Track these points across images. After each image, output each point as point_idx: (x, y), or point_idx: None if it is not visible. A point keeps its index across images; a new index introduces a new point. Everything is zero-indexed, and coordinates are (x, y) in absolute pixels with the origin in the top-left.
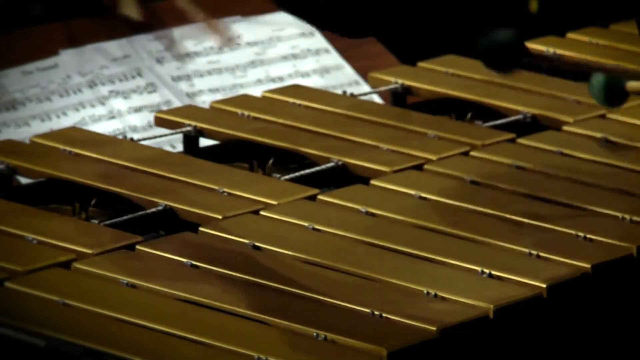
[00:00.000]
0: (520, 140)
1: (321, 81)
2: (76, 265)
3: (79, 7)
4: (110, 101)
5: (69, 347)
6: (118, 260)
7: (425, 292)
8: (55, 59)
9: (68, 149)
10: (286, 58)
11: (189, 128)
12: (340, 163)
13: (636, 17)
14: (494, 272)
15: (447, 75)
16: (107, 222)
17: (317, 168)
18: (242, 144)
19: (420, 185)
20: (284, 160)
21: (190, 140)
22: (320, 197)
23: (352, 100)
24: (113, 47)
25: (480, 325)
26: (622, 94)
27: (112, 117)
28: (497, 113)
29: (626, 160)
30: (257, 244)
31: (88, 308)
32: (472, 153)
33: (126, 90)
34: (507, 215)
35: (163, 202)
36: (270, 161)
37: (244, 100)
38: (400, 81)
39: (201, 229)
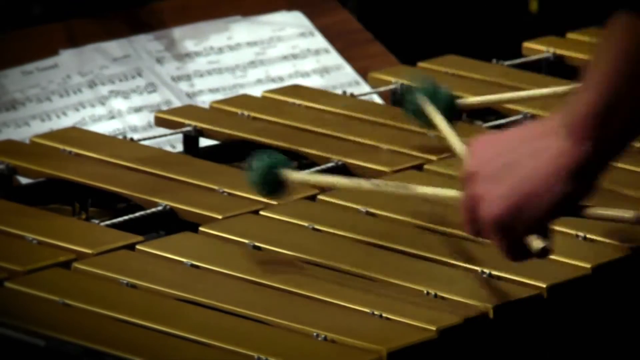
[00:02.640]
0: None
1: (321, 81)
2: (76, 265)
3: (79, 7)
4: (110, 101)
5: (69, 347)
6: (118, 260)
7: (425, 292)
8: (55, 59)
9: (68, 149)
10: (286, 58)
11: (189, 128)
12: (340, 163)
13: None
14: (493, 272)
15: (447, 75)
16: (107, 222)
17: (317, 168)
18: (242, 144)
19: (421, 185)
20: None
21: (190, 140)
22: (320, 197)
23: (352, 100)
24: (113, 47)
25: (480, 325)
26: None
27: (112, 117)
28: (496, 113)
29: (627, 161)
30: (257, 244)
31: (88, 308)
32: None
33: (126, 90)
34: None
35: (163, 202)
36: None
37: (244, 100)
38: (400, 81)
39: (201, 228)
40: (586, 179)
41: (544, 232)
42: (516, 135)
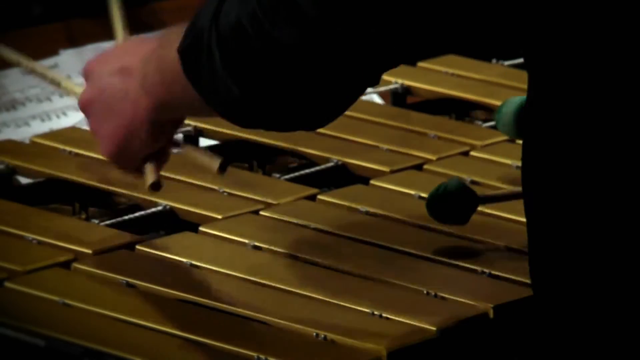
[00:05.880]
0: (521, 141)
1: None
2: (76, 265)
3: (79, 7)
4: None
5: (69, 347)
6: (118, 260)
7: (425, 292)
8: (55, 59)
9: (68, 149)
10: None
11: (189, 128)
12: (340, 163)
13: None
14: (493, 272)
15: (447, 75)
16: (107, 222)
17: (317, 168)
18: (242, 144)
19: (420, 185)
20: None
21: (190, 140)
22: (320, 197)
23: None
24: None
25: (480, 325)
26: None
27: None
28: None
29: None
30: (257, 244)
31: (88, 308)
32: (472, 153)
33: None
34: (507, 215)
35: (163, 202)
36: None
37: None
38: (400, 81)
39: (201, 228)
40: (160, 127)
41: (158, 160)
42: (117, 66)
